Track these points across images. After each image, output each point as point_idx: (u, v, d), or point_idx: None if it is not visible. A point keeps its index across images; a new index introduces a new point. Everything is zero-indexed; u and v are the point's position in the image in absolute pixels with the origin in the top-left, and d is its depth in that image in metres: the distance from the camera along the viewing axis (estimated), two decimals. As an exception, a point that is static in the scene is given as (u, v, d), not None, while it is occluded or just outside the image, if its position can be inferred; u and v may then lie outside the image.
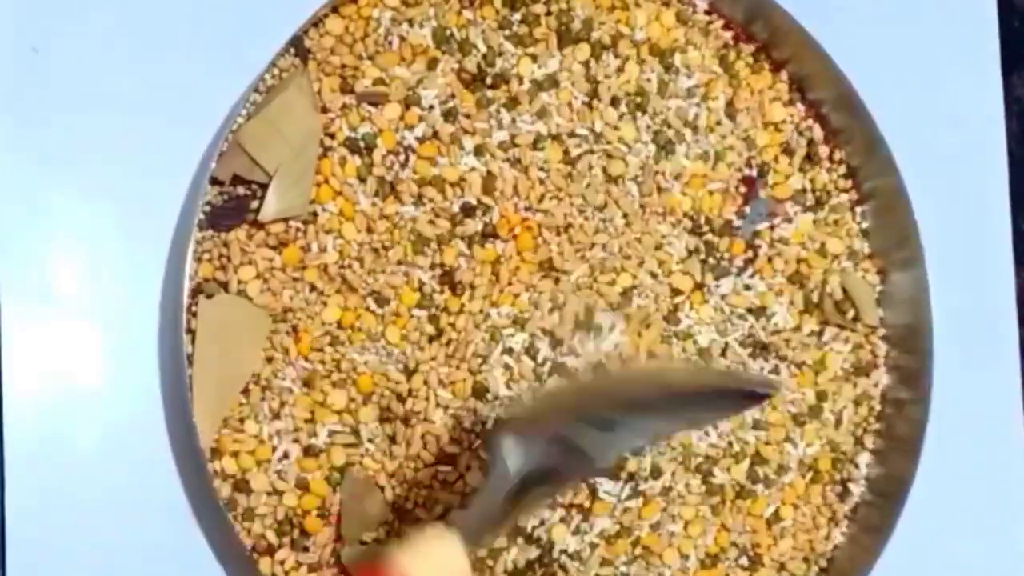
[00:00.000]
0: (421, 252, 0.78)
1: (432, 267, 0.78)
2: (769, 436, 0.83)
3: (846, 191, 0.85)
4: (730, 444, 0.82)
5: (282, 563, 0.76)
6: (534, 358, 0.79)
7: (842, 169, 0.85)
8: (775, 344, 0.83)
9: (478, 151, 0.79)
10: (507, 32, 0.80)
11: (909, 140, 0.84)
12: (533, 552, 0.79)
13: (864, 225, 0.85)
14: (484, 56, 0.80)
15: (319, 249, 0.77)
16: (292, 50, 0.78)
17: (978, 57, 0.91)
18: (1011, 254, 0.90)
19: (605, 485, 0.80)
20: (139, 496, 0.76)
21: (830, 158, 0.85)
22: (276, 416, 0.76)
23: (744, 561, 0.82)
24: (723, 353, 0.82)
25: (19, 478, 0.75)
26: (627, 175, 0.81)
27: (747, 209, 0.84)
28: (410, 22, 0.79)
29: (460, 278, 0.78)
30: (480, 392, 0.78)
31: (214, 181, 0.76)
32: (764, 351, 0.83)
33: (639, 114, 0.82)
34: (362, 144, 0.78)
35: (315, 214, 0.77)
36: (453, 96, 0.79)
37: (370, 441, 0.77)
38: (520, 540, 0.78)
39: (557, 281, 0.80)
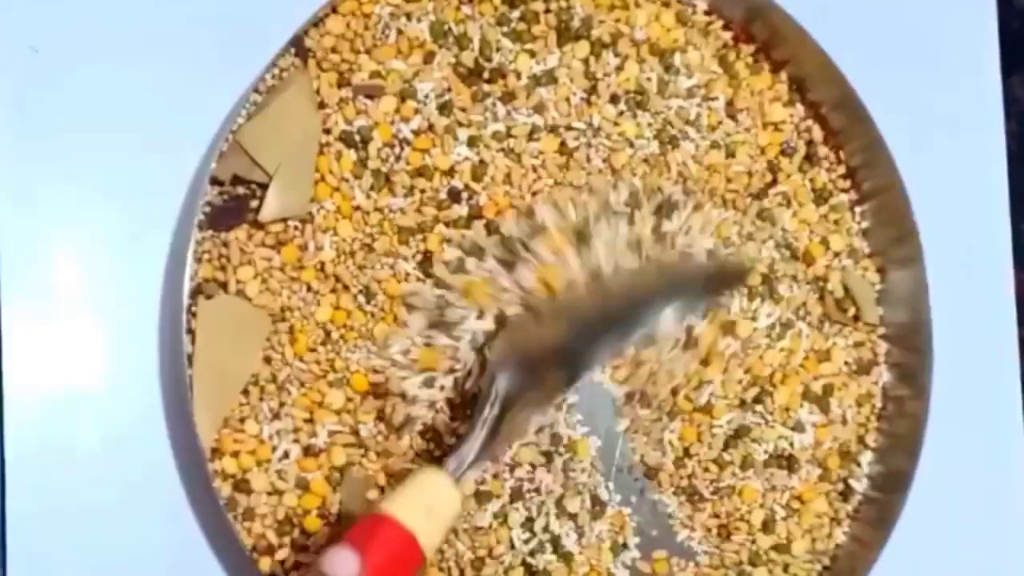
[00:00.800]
0: (405, 242, 0.78)
1: (415, 256, 0.78)
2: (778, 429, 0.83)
3: (845, 191, 0.85)
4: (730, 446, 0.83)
5: (282, 563, 0.76)
6: None
7: (842, 169, 0.85)
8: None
9: (471, 142, 0.79)
10: (505, 28, 0.81)
11: (909, 140, 0.83)
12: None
13: (864, 224, 0.85)
14: (481, 51, 0.80)
15: (316, 248, 0.77)
16: (292, 50, 0.78)
17: (978, 58, 0.91)
18: (1011, 254, 0.90)
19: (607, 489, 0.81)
20: (139, 496, 0.76)
21: (829, 158, 0.85)
22: (276, 416, 0.76)
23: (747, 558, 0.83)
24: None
25: (20, 478, 0.75)
26: (630, 166, 0.81)
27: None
28: (408, 16, 0.79)
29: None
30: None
31: (214, 181, 0.76)
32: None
33: (639, 111, 0.82)
34: (358, 138, 0.78)
35: (311, 213, 0.77)
36: (449, 90, 0.79)
37: (369, 440, 0.77)
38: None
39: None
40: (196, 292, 0.75)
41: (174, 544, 0.77)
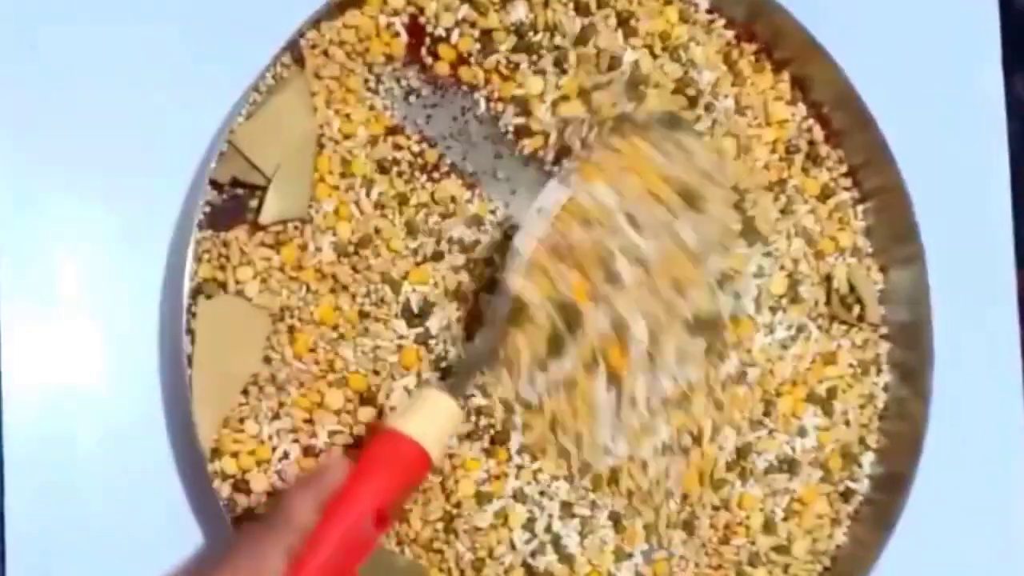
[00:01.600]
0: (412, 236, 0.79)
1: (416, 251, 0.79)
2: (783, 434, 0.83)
3: (847, 189, 0.85)
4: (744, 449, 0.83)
5: (282, 563, 0.76)
6: None
7: (843, 168, 0.85)
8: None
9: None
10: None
11: (910, 140, 0.83)
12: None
13: (865, 223, 0.85)
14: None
15: (315, 248, 0.77)
16: (289, 52, 0.78)
17: (979, 58, 0.91)
18: (1011, 254, 0.90)
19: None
20: (139, 496, 0.76)
21: (831, 157, 0.85)
22: (276, 416, 0.76)
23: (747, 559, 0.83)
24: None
25: (19, 477, 0.75)
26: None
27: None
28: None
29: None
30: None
31: (213, 184, 0.76)
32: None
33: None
34: (358, 137, 0.78)
35: (310, 213, 0.77)
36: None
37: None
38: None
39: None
40: (196, 292, 0.75)
41: (174, 544, 0.77)
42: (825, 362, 0.84)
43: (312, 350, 0.77)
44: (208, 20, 0.79)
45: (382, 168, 0.79)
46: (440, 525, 0.78)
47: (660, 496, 0.80)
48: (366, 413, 0.77)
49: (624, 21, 0.83)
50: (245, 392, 0.76)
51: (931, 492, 0.83)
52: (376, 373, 0.77)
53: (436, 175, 0.80)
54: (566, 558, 0.80)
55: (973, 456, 0.88)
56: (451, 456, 0.78)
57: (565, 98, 0.81)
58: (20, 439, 0.75)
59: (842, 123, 0.85)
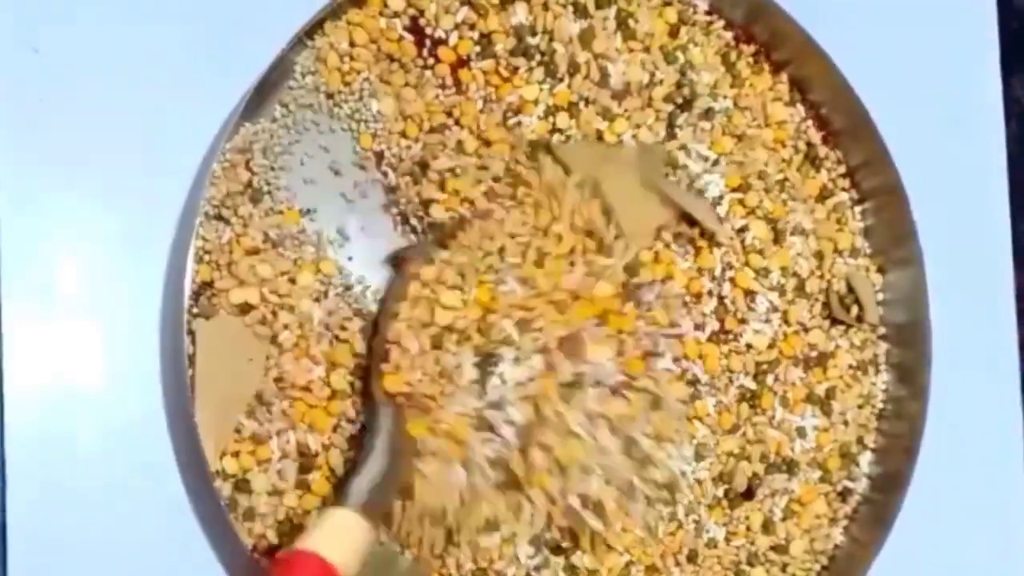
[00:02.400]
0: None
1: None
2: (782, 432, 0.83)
3: (846, 190, 0.85)
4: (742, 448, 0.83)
5: (283, 563, 0.76)
6: None
7: (842, 169, 0.85)
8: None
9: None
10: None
11: (909, 141, 0.84)
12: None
13: (864, 224, 0.86)
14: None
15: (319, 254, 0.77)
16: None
17: (978, 58, 0.91)
18: (1010, 254, 0.90)
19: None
20: (140, 496, 0.76)
21: (830, 158, 0.85)
22: (277, 416, 0.76)
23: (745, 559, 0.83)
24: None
25: (20, 478, 0.75)
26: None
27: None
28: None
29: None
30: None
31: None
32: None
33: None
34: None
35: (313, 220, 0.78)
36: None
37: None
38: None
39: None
40: (197, 294, 0.75)
41: (175, 544, 0.77)
42: (824, 362, 0.84)
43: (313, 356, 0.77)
44: (210, 20, 0.79)
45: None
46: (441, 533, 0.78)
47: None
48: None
49: (622, 23, 0.83)
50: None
51: (929, 492, 0.83)
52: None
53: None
54: (569, 568, 0.80)
55: (971, 456, 0.88)
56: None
57: (558, 107, 0.81)
58: (21, 439, 0.75)
59: (841, 124, 0.85)
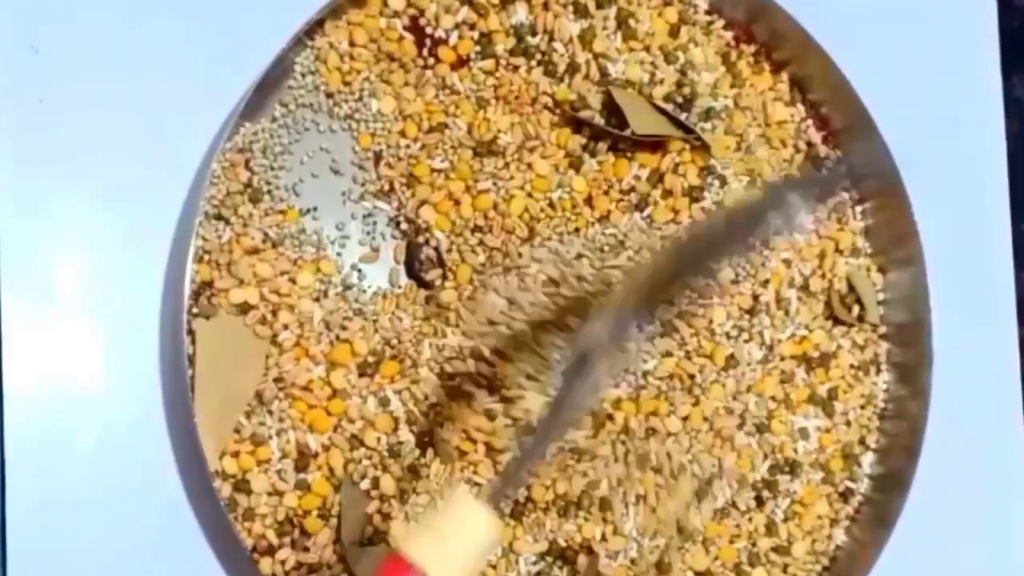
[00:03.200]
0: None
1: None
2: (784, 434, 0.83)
3: (846, 190, 0.85)
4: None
5: (283, 563, 0.76)
6: None
7: (842, 169, 0.85)
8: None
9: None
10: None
11: (909, 140, 0.84)
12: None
13: (864, 223, 0.85)
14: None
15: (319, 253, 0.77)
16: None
17: (978, 58, 0.91)
18: (1011, 254, 0.90)
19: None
20: (139, 496, 0.76)
21: (830, 157, 0.85)
22: (277, 416, 0.76)
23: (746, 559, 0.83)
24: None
25: (20, 478, 0.75)
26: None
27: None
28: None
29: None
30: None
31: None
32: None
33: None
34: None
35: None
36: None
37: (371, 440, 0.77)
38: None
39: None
40: (197, 294, 0.75)
41: (174, 544, 0.77)
42: (826, 363, 0.84)
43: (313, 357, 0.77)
44: (210, 20, 0.79)
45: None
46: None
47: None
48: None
49: (623, 23, 0.83)
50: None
51: (930, 492, 0.83)
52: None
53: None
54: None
55: (972, 456, 0.87)
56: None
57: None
58: (20, 438, 0.75)
59: (841, 124, 0.85)
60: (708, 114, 0.83)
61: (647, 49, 0.83)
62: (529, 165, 0.81)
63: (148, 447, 0.76)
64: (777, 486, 0.83)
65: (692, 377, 0.82)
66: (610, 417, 0.80)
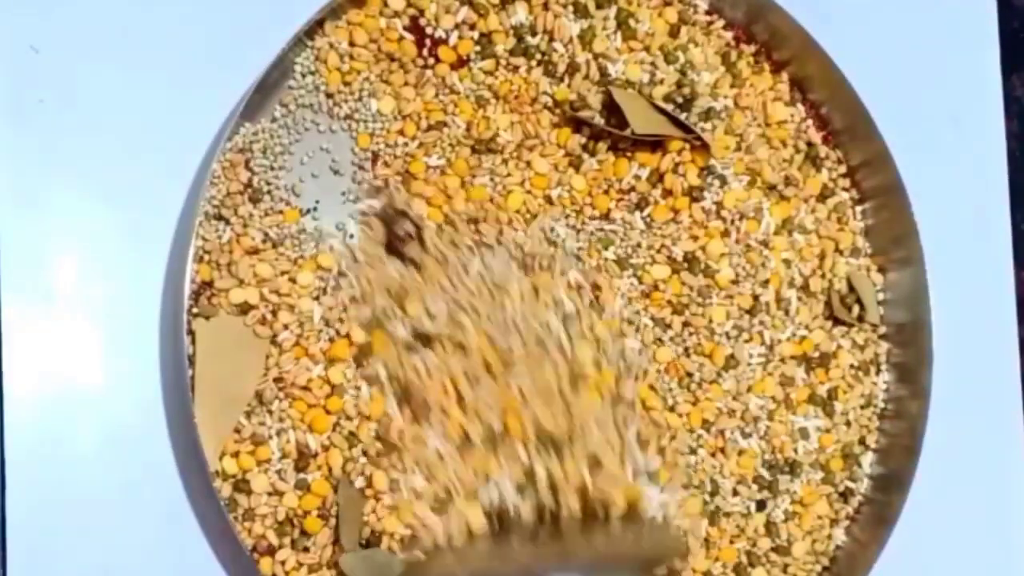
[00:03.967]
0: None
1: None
2: (783, 434, 0.83)
3: (846, 190, 0.85)
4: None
5: (283, 563, 0.76)
6: None
7: (842, 168, 0.85)
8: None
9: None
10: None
11: (909, 140, 0.84)
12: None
13: (864, 223, 0.85)
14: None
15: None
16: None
17: (978, 57, 0.91)
18: (1011, 253, 0.90)
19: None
20: (139, 496, 0.76)
21: (830, 157, 0.85)
22: (276, 416, 0.76)
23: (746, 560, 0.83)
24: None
25: (20, 478, 0.75)
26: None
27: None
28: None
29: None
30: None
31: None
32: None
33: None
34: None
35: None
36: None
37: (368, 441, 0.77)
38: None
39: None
40: (197, 294, 0.75)
41: (174, 544, 0.77)
42: (826, 363, 0.84)
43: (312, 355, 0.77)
44: (210, 20, 0.79)
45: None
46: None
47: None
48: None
49: (622, 23, 0.83)
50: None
51: (930, 492, 0.83)
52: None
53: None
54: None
55: (972, 455, 0.88)
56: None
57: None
58: (21, 438, 0.75)
59: (841, 124, 0.85)
60: (708, 114, 0.83)
61: (647, 49, 0.83)
62: (528, 163, 0.81)
63: (148, 447, 0.76)
64: (777, 486, 0.83)
65: (691, 375, 0.82)
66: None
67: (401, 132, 0.79)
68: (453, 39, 0.81)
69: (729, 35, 0.84)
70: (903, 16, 0.89)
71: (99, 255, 0.77)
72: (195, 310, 0.75)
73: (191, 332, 0.75)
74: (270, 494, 0.76)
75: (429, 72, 0.80)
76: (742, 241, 0.83)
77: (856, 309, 0.85)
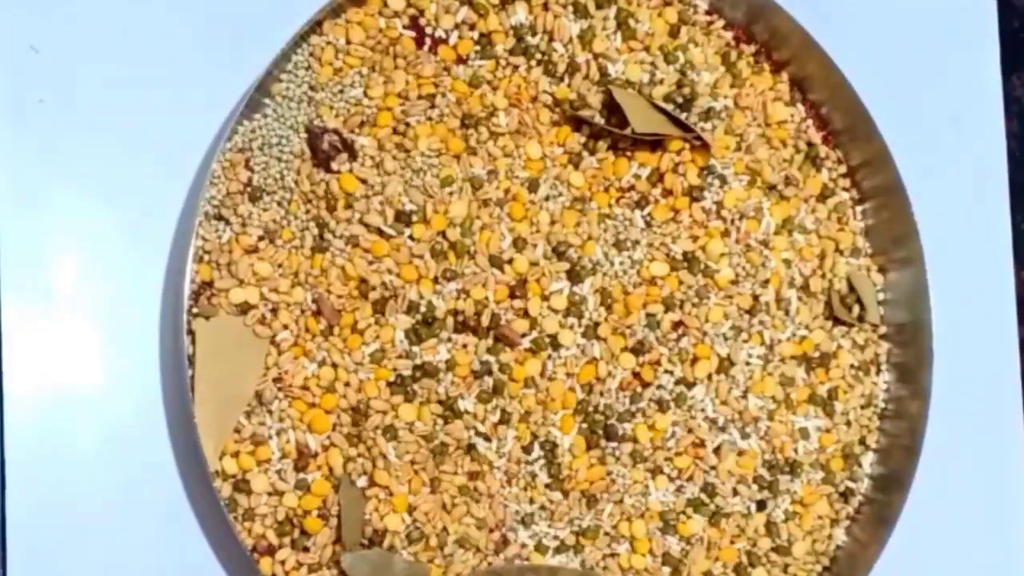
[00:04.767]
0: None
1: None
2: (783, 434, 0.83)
3: (846, 190, 0.86)
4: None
5: (283, 563, 0.76)
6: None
7: (842, 168, 0.85)
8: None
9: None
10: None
11: (909, 140, 0.84)
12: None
13: (865, 223, 0.85)
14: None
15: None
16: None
17: (978, 58, 0.91)
18: (1011, 253, 0.90)
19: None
20: (139, 496, 0.76)
21: (830, 157, 0.85)
22: (276, 416, 0.76)
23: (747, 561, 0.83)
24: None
25: (20, 478, 0.75)
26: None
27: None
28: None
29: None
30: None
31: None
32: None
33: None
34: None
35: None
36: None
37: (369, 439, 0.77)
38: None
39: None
40: (197, 294, 0.75)
41: (174, 544, 0.77)
42: (827, 363, 0.84)
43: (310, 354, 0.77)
44: (210, 20, 0.79)
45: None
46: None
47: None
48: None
49: (622, 23, 0.83)
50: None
51: (930, 492, 0.83)
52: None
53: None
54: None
55: (972, 455, 0.88)
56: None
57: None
58: (21, 439, 0.75)
59: (841, 124, 0.85)
60: (708, 114, 0.83)
61: (647, 49, 0.83)
62: (521, 147, 0.81)
63: (148, 447, 0.77)
64: (777, 486, 0.83)
65: (690, 384, 0.82)
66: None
67: (387, 106, 0.79)
68: (453, 39, 0.81)
69: (729, 35, 0.85)
70: (903, 16, 0.90)
71: (99, 255, 0.77)
72: (195, 310, 0.75)
73: (191, 332, 0.75)
74: (270, 494, 0.76)
75: (428, 53, 0.80)
76: (742, 241, 0.83)
77: (856, 309, 0.85)
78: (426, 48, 0.80)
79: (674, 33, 0.83)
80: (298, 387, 0.76)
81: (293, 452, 0.76)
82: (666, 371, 0.81)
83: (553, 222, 0.80)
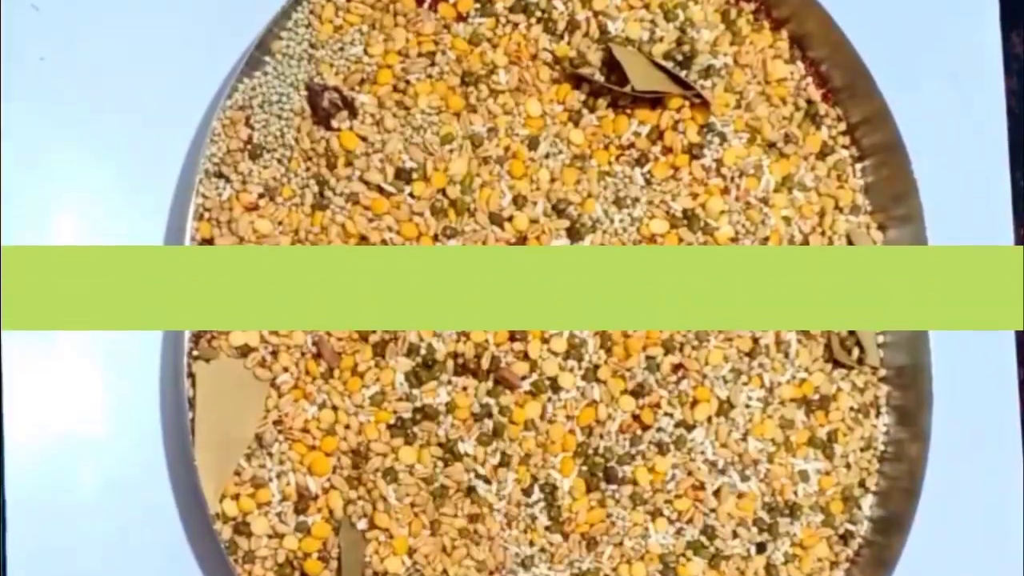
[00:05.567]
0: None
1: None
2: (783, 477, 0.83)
3: (846, 147, 0.85)
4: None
5: (282, 607, 0.76)
6: None
7: (842, 126, 0.85)
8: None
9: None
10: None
11: (908, 98, 0.84)
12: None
13: (864, 181, 0.85)
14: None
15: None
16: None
17: (978, 15, 0.90)
18: (1010, 209, 0.90)
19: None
20: (140, 538, 0.76)
21: (830, 115, 0.85)
22: (277, 459, 0.76)
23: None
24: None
25: (21, 522, 0.74)
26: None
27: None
28: None
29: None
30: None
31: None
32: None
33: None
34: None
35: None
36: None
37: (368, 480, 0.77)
38: None
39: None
40: (197, 336, 0.75)
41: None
42: (826, 406, 0.84)
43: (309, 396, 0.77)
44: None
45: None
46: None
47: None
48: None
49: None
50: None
51: (930, 534, 0.83)
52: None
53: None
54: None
55: (972, 498, 0.87)
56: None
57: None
58: (21, 481, 0.75)
59: (840, 81, 0.85)
60: (708, 72, 0.83)
61: (647, 7, 0.83)
62: (521, 105, 0.81)
63: (149, 490, 0.76)
64: (777, 528, 0.82)
65: (690, 426, 0.82)
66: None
67: (386, 63, 0.79)
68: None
69: (728, -7, 0.85)
70: (903, -26, 0.90)
71: (99, 211, 0.77)
72: (195, 353, 0.75)
73: (191, 375, 0.75)
74: (270, 536, 0.76)
75: (427, 9, 0.80)
76: (742, 198, 0.83)
77: (856, 352, 0.84)
78: (426, 6, 0.80)
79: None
80: (298, 430, 0.76)
81: (293, 494, 0.76)
82: (666, 413, 0.81)
83: (553, 180, 0.81)
